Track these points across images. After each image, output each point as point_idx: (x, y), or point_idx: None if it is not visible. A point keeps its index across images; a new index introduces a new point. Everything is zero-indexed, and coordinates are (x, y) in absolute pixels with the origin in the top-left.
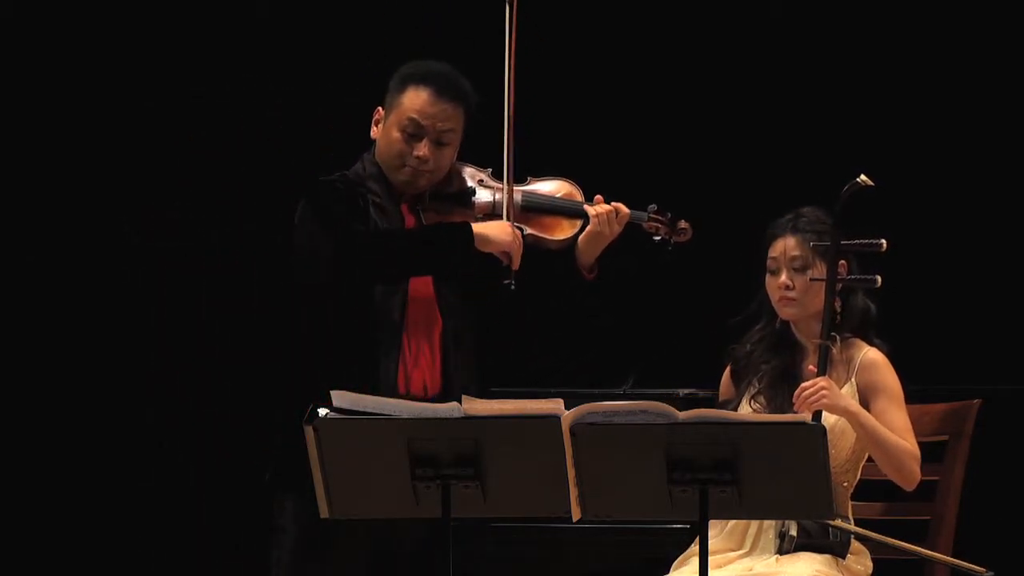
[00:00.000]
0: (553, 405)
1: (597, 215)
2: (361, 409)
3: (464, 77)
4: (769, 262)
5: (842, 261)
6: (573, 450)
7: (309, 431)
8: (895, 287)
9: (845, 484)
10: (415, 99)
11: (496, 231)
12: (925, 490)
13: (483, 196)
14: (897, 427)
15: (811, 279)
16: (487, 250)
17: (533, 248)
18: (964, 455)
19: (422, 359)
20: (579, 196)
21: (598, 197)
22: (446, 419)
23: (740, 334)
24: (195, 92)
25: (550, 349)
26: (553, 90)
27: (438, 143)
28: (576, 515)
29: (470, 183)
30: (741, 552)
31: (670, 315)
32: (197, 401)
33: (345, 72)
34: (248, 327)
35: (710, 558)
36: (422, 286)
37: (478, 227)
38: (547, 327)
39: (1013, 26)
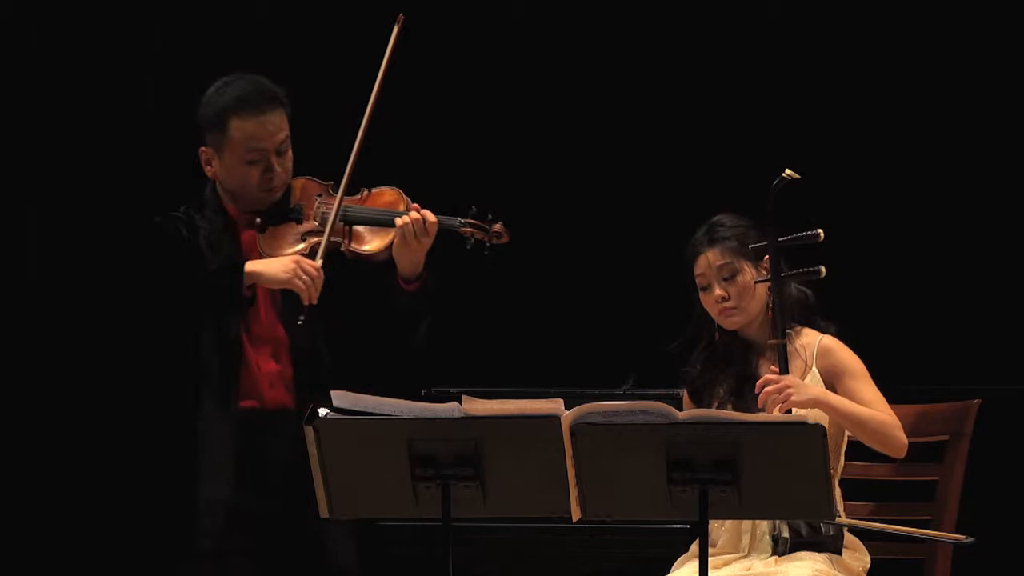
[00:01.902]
0: (553, 405)
1: (403, 224)
2: (361, 409)
3: (260, 77)
4: (697, 279)
5: (765, 257)
6: (573, 450)
7: (309, 431)
8: (895, 287)
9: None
10: (243, 128)
11: (270, 268)
12: (925, 490)
13: (311, 211)
14: (869, 400)
15: (756, 281)
16: (268, 287)
17: (361, 261)
18: (964, 455)
19: (273, 377)
20: (402, 204)
21: (413, 206)
22: (446, 419)
23: (682, 357)
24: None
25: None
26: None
27: (279, 153)
28: (576, 515)
29: (301, 198)
30: (739, 555)
31: (670, 315)
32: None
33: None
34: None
35: (710, 559)
36: (263, 307)
37: (253, 265)
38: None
39: (961, 24)
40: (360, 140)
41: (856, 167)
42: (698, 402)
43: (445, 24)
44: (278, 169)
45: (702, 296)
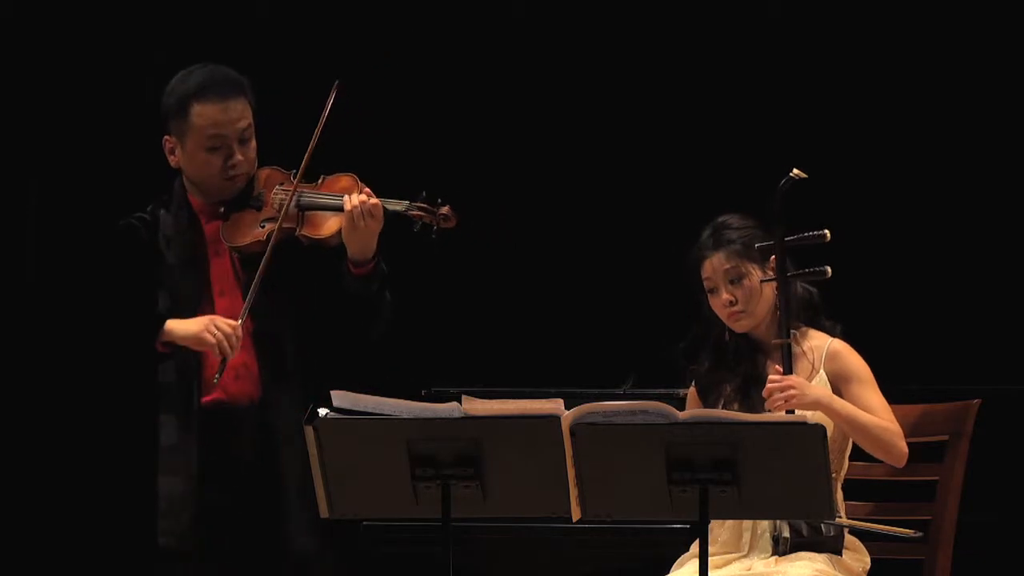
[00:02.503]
0: (553, 405)
1: (351, 208)
2: (361, 409)
3: (222, 65)
4: (705, 283)
5: (771, 256)
6: (573, 450)
7: (309, 431)
8: (895, 287)
9: (833, 475)
10: (203, 115)
11: (184, 327)
12: (925, 490)
13: (271, 198)
14: (874, 408)
15: (761, 281)
16: (184, 344)
17: (315, 246)
18: (964, 455)
19: (239, 369)
20: (355, 190)
21: (365, 189)
22: (446, 419)
23: (690, 357)
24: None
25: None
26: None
27: (241, 141)
28: (576, 515)
29: (263, 187)
30: (739, 554)
31: (670, 315)
32: None
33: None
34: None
35: (710, 559)
36: (229, 305)
37: (171, 323)
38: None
39: (986, 29)
40: (316, 136)
41: (855, 168)
42: (705, 400)
43: (444, 20)
44: (240, 157)
45: (710, 298)
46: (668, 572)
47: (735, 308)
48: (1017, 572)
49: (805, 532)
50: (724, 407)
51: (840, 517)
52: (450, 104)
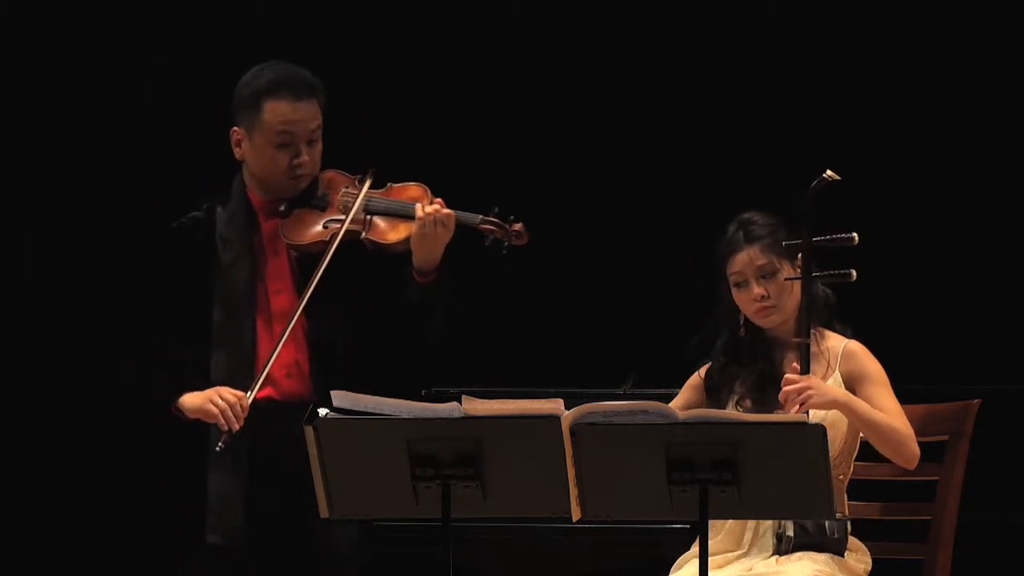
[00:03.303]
0: (553, 405)
1: (422, 217)
2: (361, 409)
3: (302, 68)
4: (732, 277)
5: (798, 255)
6: (573, 450)
7: (309, 431)
8: (895, 287)
9: (840, 477)
10: (276, 111)
11: (190, 401)
12: (925, 490)
13: (336, 200)
14: (888, 410)
15: (786, 278)
16: (188, 415)
17: (378, 251)
18: (964, 455)
19: (290, 367)
20: (426, 199)
21: (437, 200)
22: (446, 419)
23: (704, 351)
24: (204, 89)
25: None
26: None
27: (309, 142)
28: (576, 515)
29: (327, 188)
30: (739, 552)
31: (670, 315)
32: None
33: (347, 70)
34: None
35: (710, 559)
36: (285, 304)
37: (183, 399)
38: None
39: (992, 28)
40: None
41: (854, 169)
42: (715, 395)
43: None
44: (306, 157)
45: (736, 293)
46: (668, 572)
47: (765, 303)
48: (1017, 572)
49: (811, 529)
50: (737, 403)
51: (842, 517)
52: (448, 98)
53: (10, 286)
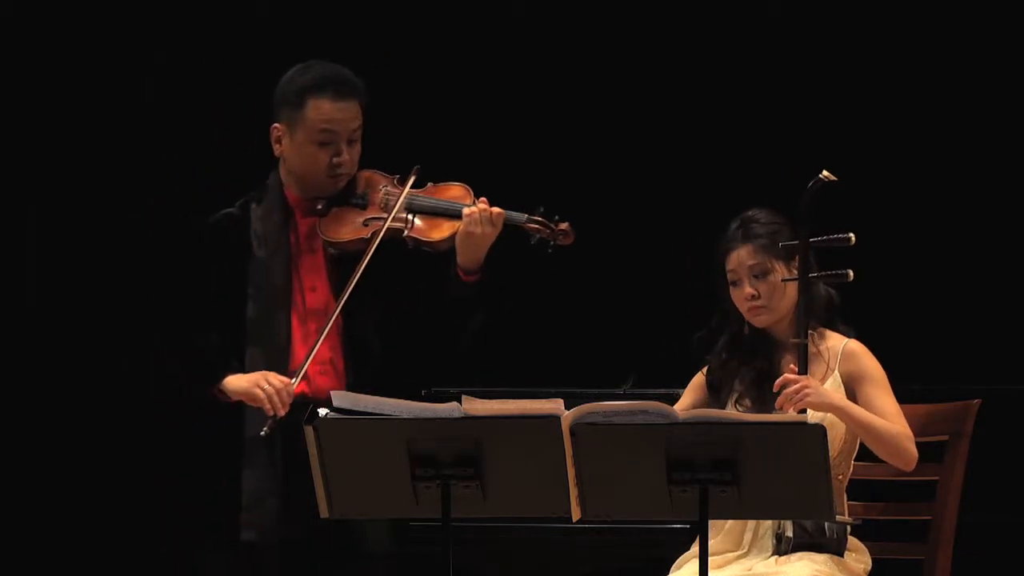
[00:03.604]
0: (553, 405)
1: (469, 214)
2: (361, 409)
3: (345, 68)
4: (728, 275)
5: (796, 256)
6: (573, 450)
7: (309, 431)
8: (895, 288)
9: (839, 477)
10: (319, 110)
11: (239, 381)
12: (925, 490)
13: (376, 198)
14: (886, 411)
15: (783, 280)
16: (233, 398)
17: (420, 249)
18: (964, 455)
19: (324, 363)
20: (469, 199)
21: (481, 199)
22: (446, 419)
23: (707, 347)
24: (204, 89)
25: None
26: (541, 99)
27: (350, 142)
28: (576, 515)
29: (366, 187)
30: (739, 553)
31: (670, 315)
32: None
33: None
34: None
35: (710, 559)
36: (320, 301)
37: (228, 380)
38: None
39: (990, 28)
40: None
41: (852, 168)
42: (715, 392)
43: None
44: (346, 157)
45: (732, 291)
46: (668, 572)
47: (756, 303)
48: (1017, 572)
49: (810, 530)
50: (736, 402)
51: (842, 517)
52: (453, 95)
53: (10, 286)
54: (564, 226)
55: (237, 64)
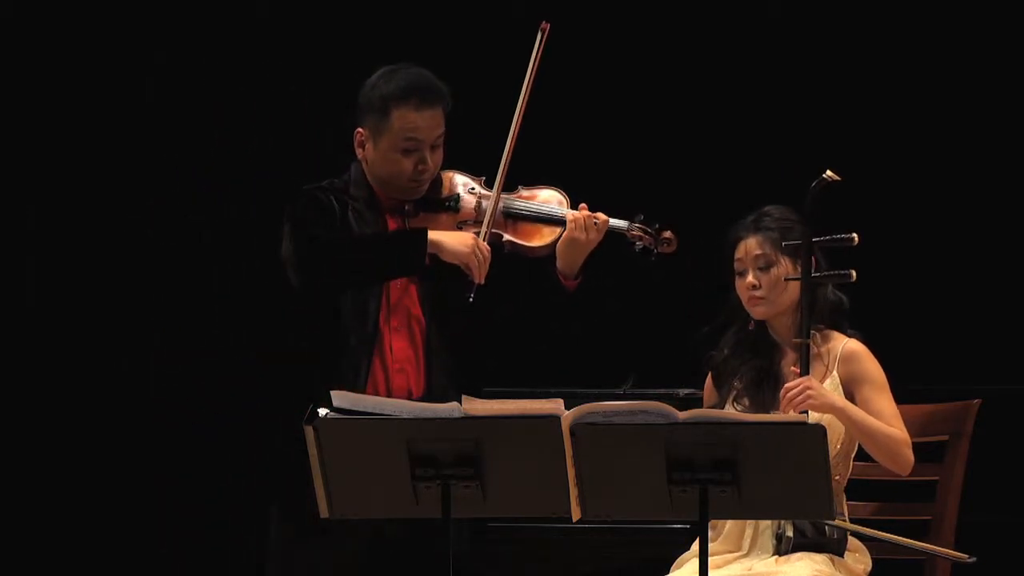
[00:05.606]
0: (553, 405)
1: (573, 220)
2: (361, 409)
3: (430, 73)
4: (735, 264)
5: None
6: (573, 450)
7: (309, 431)
8: (895, 288)
9: (837, 478)
10: (405, 119)
11: (453, 241)
12: (925, 490)
13: (468, 202)
14: (884, 414)
15: (786, 278)
16: (445, 259)
17: (516, 255)
18: (964, 455)
19: (406, 363)
20: (565, 205)
21: (582, 205)
22: (446, 419)
23: (715, 341)
24: (204, 89)
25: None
26: (553, 101)
27: (433, 147)
28: (576, 515)
29: (458, 189)
30: (739, 553)
31: (669, 316)
32: (200, 402)
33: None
34: (257, 331)
35: (709, 559)
36: (401, 290)
37: (436, 235)
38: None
39: (992, 29)
40: (511, 142)
41: (854, 168)
42: (719, 387)
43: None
44: (429, 163)
45: (737, 280)
46: (668, 572)
47: (756, 293)
48: (1017, 572)
49: (809, 533)
50: (734, 400)
51: (841, 518)
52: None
53: (10, 286)
54: (668, 234)
55: (237, 64)
